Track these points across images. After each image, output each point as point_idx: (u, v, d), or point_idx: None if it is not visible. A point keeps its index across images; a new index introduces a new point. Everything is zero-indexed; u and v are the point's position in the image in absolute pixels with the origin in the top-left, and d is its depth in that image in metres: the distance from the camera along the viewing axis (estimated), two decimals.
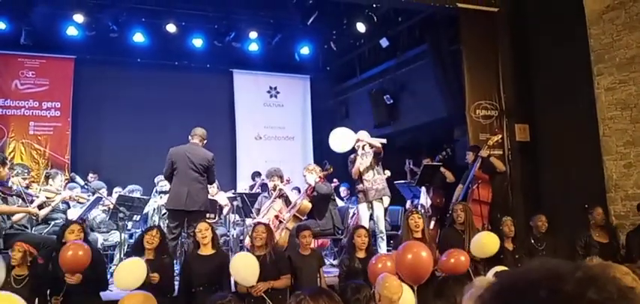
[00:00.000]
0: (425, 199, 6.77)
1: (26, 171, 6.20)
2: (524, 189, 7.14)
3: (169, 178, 5.71)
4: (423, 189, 6.80)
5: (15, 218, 5.29)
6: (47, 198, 5.72)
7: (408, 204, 7.35)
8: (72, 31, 8.36)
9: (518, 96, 7.36)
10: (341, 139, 6.26)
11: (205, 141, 5.83)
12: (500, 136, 6.83)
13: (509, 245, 5.46)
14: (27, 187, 5.77)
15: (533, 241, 5.73)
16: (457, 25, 7.52)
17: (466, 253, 4.56)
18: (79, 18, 8.05)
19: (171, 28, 8.48)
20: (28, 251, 4.18)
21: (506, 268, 4.05)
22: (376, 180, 6.11)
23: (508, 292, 0.74)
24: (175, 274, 4.98)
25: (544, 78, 7.22)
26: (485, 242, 4.83)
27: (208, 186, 6.00)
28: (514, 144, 7.22)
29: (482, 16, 7.40)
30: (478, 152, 6.43)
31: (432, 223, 6.65)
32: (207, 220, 5.31)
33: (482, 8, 7.41)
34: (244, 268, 4.32)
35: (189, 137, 5.80)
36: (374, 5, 8.00)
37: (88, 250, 4.08)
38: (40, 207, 5.61)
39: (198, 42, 9.11)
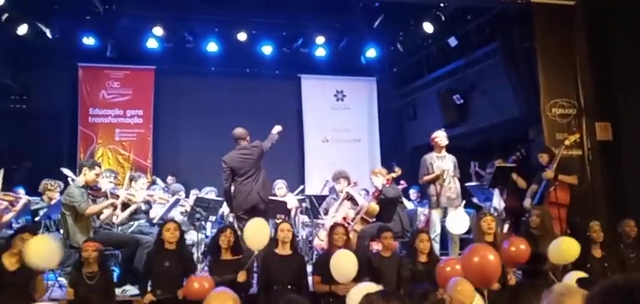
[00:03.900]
0: (498, 202, 6.57)
1: (113, 175, 6.74)
2: (606, 192, 6.72)
3: (231, 185, 5.87)
4: (496, 191, 6.60)
5: (102, 217, 5.75)
6: (129, 198, 6.16)
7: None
8: (152, 43, 8.91)
9: (599, 93, 6.94)
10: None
11: (248, 137, 6.02)
12: (578, 136, 6.50)
13: (597, 252, 5.14)
14: (113, 189, 6.26)
15: (623, 247, 5.38)
16: (530, 21, 7.21)
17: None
18: (158, 31, 8.58)
19: (242, 36, 8.79)
20: (99, 251, 4.53)
21: (585, 275, 3.87)
22: (451, 187, 6.00)
23: (623, 291, 0.74)
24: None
25: (626, 74, 6.75)
26: (565, 248, 4.59)
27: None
28: (594, 143, 6.82)
29: (557, 11, 7.06)
30: (552, 154, 6.16)
31: (506, 227, 6.44)
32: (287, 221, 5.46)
33: (557, 2, 7.08)
34: (345, 265, 4.34)
35: (235, 143, 5.98)
36: (441, 4, 7.86)
37: (212, 283, 4.28)
38: (123, 207, 6.06)
39: (267, 49, 9.38)
